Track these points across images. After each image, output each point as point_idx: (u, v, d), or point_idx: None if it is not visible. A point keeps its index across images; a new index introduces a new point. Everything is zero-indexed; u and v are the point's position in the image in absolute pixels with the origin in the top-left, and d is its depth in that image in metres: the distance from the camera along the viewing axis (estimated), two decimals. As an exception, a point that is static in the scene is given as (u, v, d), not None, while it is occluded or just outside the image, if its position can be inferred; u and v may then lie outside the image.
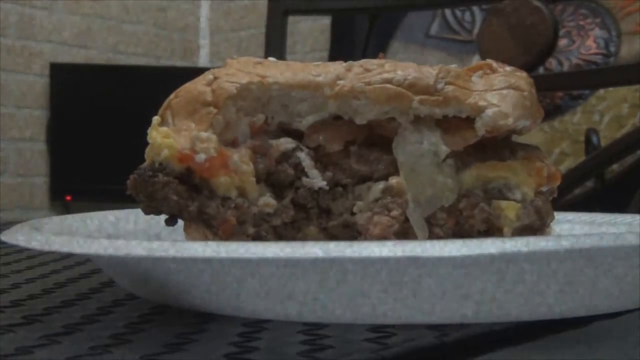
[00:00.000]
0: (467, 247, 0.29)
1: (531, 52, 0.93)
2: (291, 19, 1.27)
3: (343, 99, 0.40)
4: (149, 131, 0.39)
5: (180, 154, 0.38)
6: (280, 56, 1.23)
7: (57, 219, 0.45)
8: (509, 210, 0.40)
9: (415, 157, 0.40)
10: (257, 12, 2.58)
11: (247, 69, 0.41)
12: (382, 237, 0.40)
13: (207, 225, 0.39)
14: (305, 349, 0.28)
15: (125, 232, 0.49)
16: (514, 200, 0.40)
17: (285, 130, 0.41)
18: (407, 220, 0.40)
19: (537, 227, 0.41)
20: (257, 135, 0.41)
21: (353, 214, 0.41)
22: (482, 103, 0.39)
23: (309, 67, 0.41)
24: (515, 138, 0.43)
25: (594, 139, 1.46)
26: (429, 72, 0.40)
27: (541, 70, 1.46)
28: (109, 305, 0.37)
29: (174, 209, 0.39)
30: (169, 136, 0.39)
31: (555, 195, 0.42)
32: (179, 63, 2.79)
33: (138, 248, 0.31)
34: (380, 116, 0.40)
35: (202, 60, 2.86)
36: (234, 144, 0.40)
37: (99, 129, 2.45)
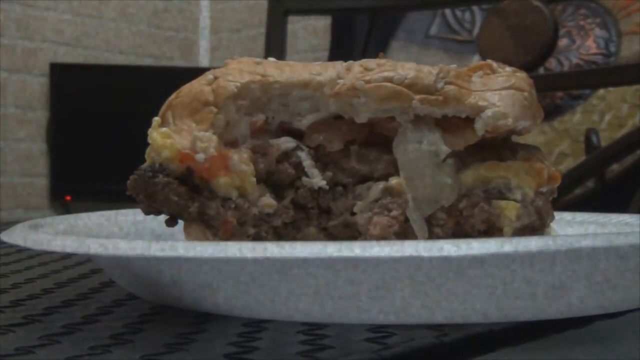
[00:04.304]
0: (468, 247, 0.29)
1: (531, 52, 0.93)
2: (291, 19, 1.27)
3: (343, 97, 0.40)
4: (149, 132, 0.39)
5: (180, 153, 0.38)
6: (280, 56, 1.23)
7: (56, 219, 0.45)
8: (509, 210, 0.40)
9: (416, 157, 0.40)
10: (257, 12, 2.58)
11: (247, 69, 0.41)
12: (382, 237, 0.40)
13: (207, 225, 0.39)
14: (305, 349, 0.28)
15: (125, 232, 0.49)
16: (514, 200, 0.40)
17: (285, 130, 0.41)
18: (407, 220, 0.40)
19: (537, 227, 0.41)
20: (258, 135, 0.41)
21: (353, 214, 0.41)
22: (482, 103, 0.39)
23: (309, 66, 0.41)
24: (516, 138, 0.43)
25: (594, 139, 1.46)
26: (429, 72, 0.40)
27: (541, 70, 1.46)
28: (109, 305, 0.37)
29: (174, 209, 0.39)
30: (169, 137, 0.39)
31: (555, 195, 0.42)
32: (179, 63, 2.79)
33: (138, 248, 0.31)
34: (380, 115, 0.40)
35: (202, 60, 2.86)
36: (234, 144, 0.40)
37: (99, 129, 2.45)
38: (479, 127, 0.40)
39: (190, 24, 2.85)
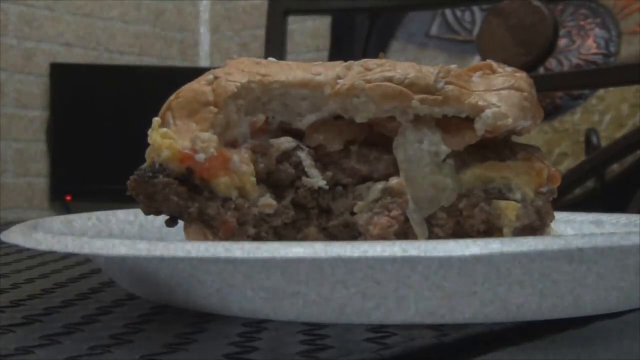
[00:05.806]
0: (468, 247, 0.29)
1: (531, 52, 0.93)
2: (291, 19, 1.27)
3: (343, 97, 0.40)
4: (149, 132, 0.39)
5: (180, 153, 0.38)
6: (280, 56, 1.23)
7: (56, 219, 0.45)
8: (509, 210, 0.40)
9: (416, 157, 0.40)
10: (257, 12, 2.58)
11: (247, 69, 0.41)
12: (382, 237, 0.40)
13: (207, 225, 0.39)
14: (305, 349, 0.28)
15: (125, 232, 0.49)
16: (514, 200, 0.40)
17: (285, 130, 0.41)
18: (407, 220, 0.40)
19: (537, 227, 0.41)
20: (258, 135, 0.41)
21: (353, 213, 0.41)
22: (481, 103, 0.39)
23: (309, 66, 0.41)
24: (516, 138, 0.43)
25: (594, 139, 1.46)
26: (429, 72, 0.40)
27: (541, 70, 1.46)
28: (109, 305, 0.37)
29: (174, 209, 0.39)
30: (169, 137, 0.39)
31: (555, 195, 0.42)
32: (179, 63, 2.79)
33: (137, 248, 0.31)
34: (380, 114, 0.40)
35: (202, 60, 2.86)
36: (234, 144, 0.40)
37: (99, 129, 2.45)
38: (479, 127, 0.40)
39: (190, 24, 2.85)
